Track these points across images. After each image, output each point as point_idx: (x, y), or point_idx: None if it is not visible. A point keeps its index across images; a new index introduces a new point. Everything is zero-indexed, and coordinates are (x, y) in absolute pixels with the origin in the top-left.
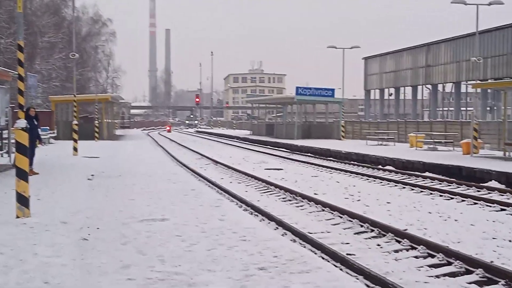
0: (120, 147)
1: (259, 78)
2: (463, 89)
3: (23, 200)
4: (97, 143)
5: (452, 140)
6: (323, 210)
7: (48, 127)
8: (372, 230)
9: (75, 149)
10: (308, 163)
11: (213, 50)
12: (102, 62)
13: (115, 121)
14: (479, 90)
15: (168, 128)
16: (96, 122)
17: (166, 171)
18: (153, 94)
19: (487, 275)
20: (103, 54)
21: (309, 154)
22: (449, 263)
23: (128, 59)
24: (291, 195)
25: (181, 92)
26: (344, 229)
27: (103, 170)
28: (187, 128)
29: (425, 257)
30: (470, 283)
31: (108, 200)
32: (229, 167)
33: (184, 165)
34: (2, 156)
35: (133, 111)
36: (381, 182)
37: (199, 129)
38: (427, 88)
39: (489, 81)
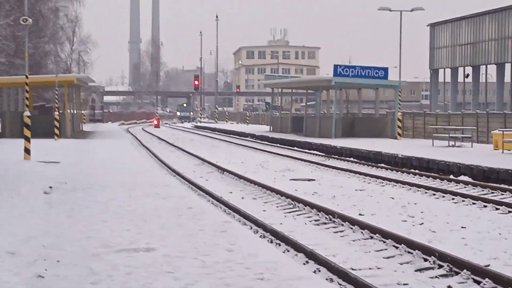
0: (90, 149)
1: (282, 52)
2: None
3: None
4: (57, 143)
5: None
6: (372, 238)
7: None
8: (441, 266)
9: (27, 151)
10: (350, 171)
11: (219, 13)
12: (65, 30)
13: (83, 112)
14: None
15: (155, 122)
16: (57, 113)
17: (154, 182)
18: (135, 75)
19: None
20: (66, 19)
21: (352, 159)
22: None
23: (101, 27)
24: (327, 216)
25: (174, 72)
26: (401, 264)
27: (66, 181)
28: (182, 122)
29: None
30: None
31: (72, 223)
32: (240, 177)
33: (178, 174)
34: None
35: (107, 98)
36: (453, 199)
37: (199, 124)
38: None
39: None
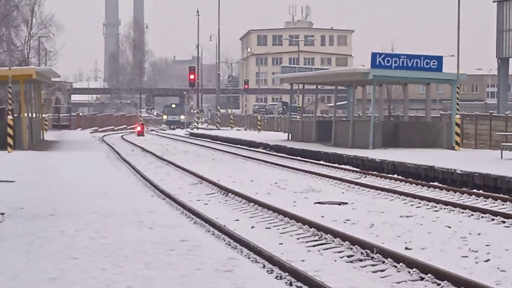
0: (54, 164)
1: (304, 37)
2: None
3: None
4: (11, 156)
5: None
6: (422, 279)
7: None
8: None
9: None
10: (394, 192)
11: None
12: (21, 10)
13: (45, 116)
14: None
15: (139, 128)
16: (10, 117)
17: (137, 206)
18: (112, 67)
19: None
20: None
21: (395, 176)
22: None
23: (68, 5)
24: (363, 251)
25: (162, 63)
26: None
27: (23, 206)
28: (173, 129)
29: None
30: None
31: (30, 261)
32: (249, 200)
33: (169, 197)
34: None
35: (76, 97)
36: None
37: (196, 130)
38: None
39: None
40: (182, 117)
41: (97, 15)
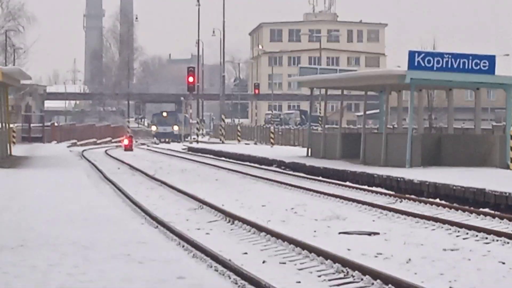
0: (23, 185)
1: (327, 32)
2: None
3: None
4: None
5: None
6: None
7: None
8: None
9: None
10: (435, 219)
11: None
12: None
13: (12, 126)
14: None
15: (126, 141)
16: None
17: (123, 236)
18: (94, 67)
19: None
20: None
21: (437, 201)
22: None
23: None
24: None
25: (155, 63)
26: None
27: None
28: (168, 142)
29: None
30: None
31: None
32: (260, 229)
33: (162, 224)
34: None
35: (51, 104)
36: None
37: (195, 144)
38: None
39: None
40: (176, 128)
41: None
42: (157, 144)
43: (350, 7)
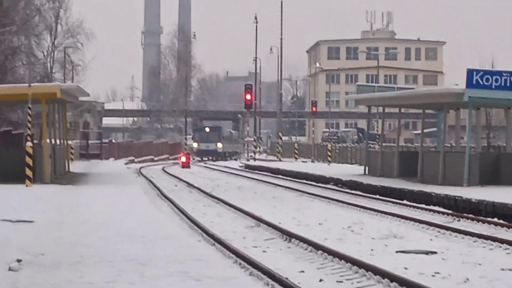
0: (80, 201)
1: (385, 50)
2: None
3: None
4: (30, 192)
5: None
6: None
7: None
8: None
9: None
10: (494, 239)
11: None
12: (44, 15)
13: (71, 143)
14: None
15: (183, 159)
16: (29, 144)
17: (180, 254)
18: (152, 84)
19: None
20: None
21: (496, 220)
22: None
23: (100, 10)
24: None
25: (213, 81)
26: None
27: (43, 251)
28: (217, 160)
29: None
30: None
31: None
32: (317, 247)
33: (219, 242)
34: None
35: (109, 121)
36: None
37: (252, 162)
38: None
39: None
40: (219, 145)
41: (135, 22)
42: (214, 161)
43: (408, 25)
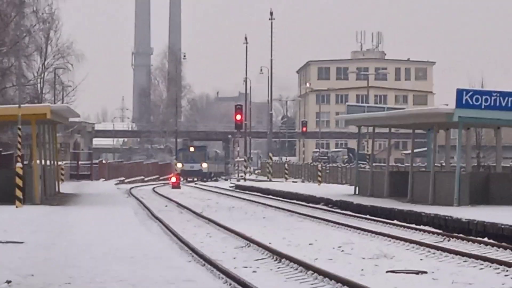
0: (70, 222)
1: (375, 70)
2: None
3: None
4: (20, 213)
5: None
6: None
7: None
8: None
9: None
10: (484, 259)
11: (275, 11)
12: (34, 36)
13: (61, 163)
14: None
15: (173, 179)
16: (19, 165)
17: (170, 275)
18: (142, 105)
19: None
20: (36, 19)
21: (486, 240)
22: None
23: (90, 31)
24: None
25: (203, 101)
26: None
27: (33, 273)
28: (213, 179)
29: None
30: None
31: None
32: (307, 267)
33: (210, 263)
34: None
35: (99, 141)
36: None
37: (242, 182)
38: None
39: None
40: (204, 165)
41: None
42: (205, 182)
43: (397, 45)
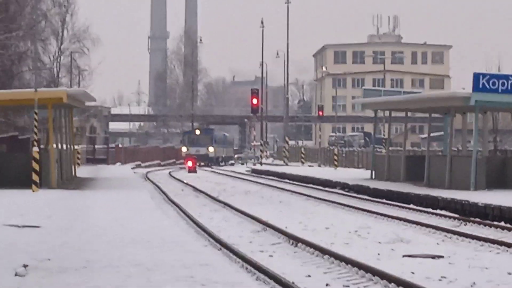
0: (87, 206)
1: (391, 54)
2: None
3: None
4: (37, 197)
5: None
6: None
7: None
8: None
9: None
10: (501, 243)
11: None
12: (51, 20)
13: (77, 148)
14: None
15: (190, 163)
16: (36, 149)
17: (186, 259)
18: (158, 89)
19: None
20: (52, 3)
21: (503, 224)
22: None
23: (106, 15)
24: None
25: (219, 85)
26: None
27: (50, 256)
28: (232, 164)
29: None
30: None
31: None
32: (323, 251)
33: (226, 247)
34: None
35: (115, 125)
36: None
37: (258, 166)
38: None
39: None
40: (211, 149)
41: (141, 27)
42: (222, 166)
43: (414, 29)
